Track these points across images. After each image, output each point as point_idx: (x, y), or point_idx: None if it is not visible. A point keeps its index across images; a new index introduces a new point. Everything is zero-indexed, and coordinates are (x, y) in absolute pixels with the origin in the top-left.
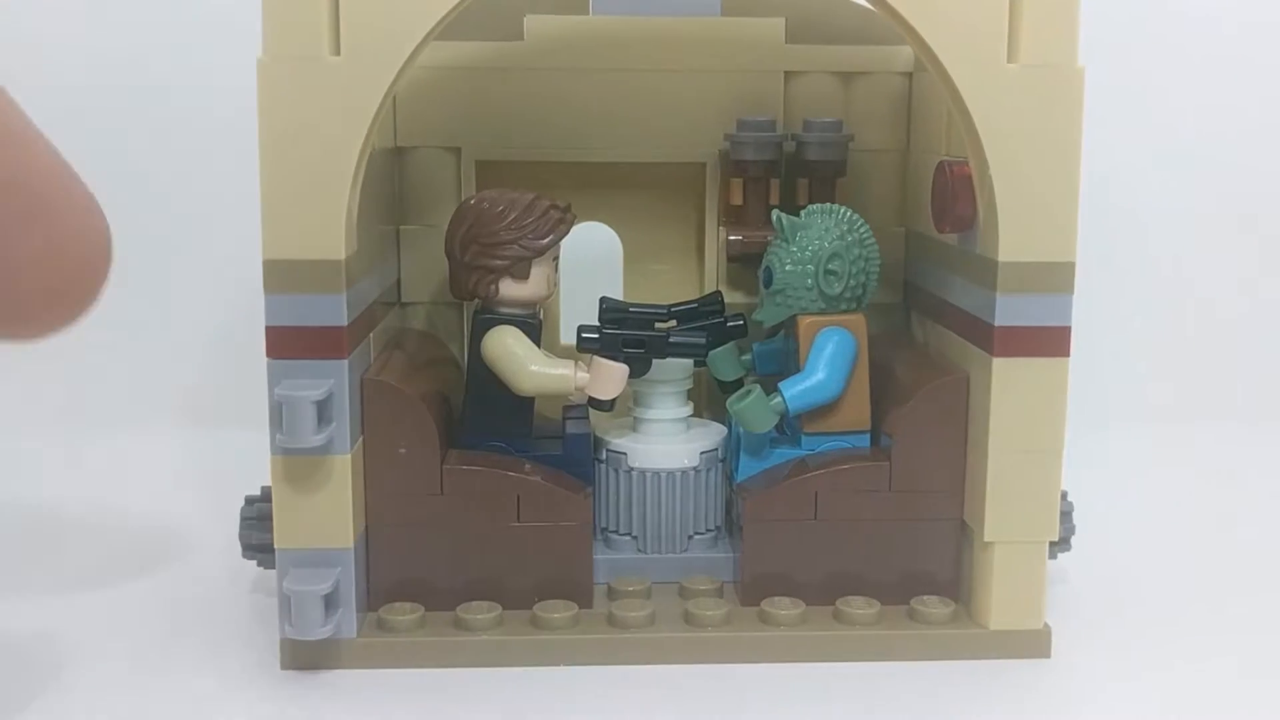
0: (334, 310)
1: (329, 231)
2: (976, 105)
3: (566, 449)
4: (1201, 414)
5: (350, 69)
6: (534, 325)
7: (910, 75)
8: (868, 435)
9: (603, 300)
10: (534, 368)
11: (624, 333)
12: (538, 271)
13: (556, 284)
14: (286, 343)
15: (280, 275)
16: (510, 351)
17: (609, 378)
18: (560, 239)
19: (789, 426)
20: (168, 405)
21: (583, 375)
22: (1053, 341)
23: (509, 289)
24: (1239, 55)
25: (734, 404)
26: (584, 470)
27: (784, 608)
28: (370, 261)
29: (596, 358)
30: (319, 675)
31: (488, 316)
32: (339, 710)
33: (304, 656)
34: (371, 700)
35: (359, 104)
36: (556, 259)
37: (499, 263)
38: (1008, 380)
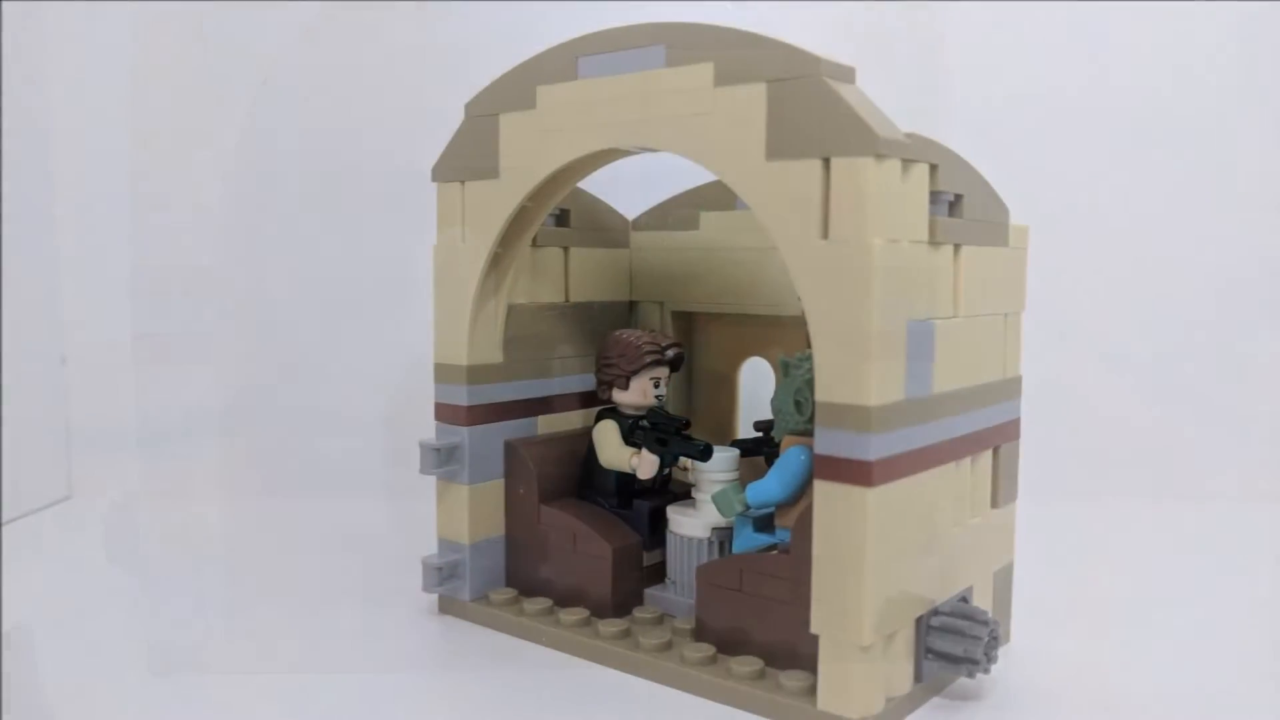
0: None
1: (456, 342)
2: (798, 272)
3: (635, 513)
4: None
5: None
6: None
7: None
8: None
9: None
10: (609, 452)
11: (654, 433)
12: (636, 384)
13: (660, 397)
14: (441, 413)
15: (441, 371)
16: (604, 437)
17: (647, 463)
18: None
19: (769, 520)
20: None
21: (635, 460)
22: (855, 472)
23: (617, 394)
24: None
25: (712, 492)
26: (641, 527)
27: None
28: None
29: (644, 450)
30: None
31: (601, 409)
32: (461, 637)
33: (446, 606)
34: (475, 652)
35: None
36: (657, 380)
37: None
38: (824, 501)
